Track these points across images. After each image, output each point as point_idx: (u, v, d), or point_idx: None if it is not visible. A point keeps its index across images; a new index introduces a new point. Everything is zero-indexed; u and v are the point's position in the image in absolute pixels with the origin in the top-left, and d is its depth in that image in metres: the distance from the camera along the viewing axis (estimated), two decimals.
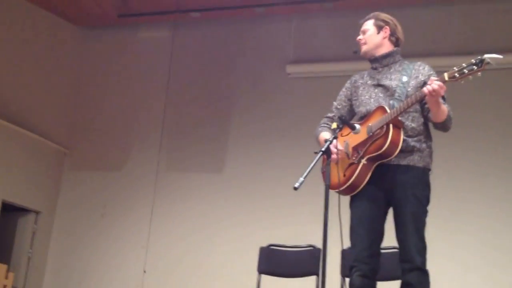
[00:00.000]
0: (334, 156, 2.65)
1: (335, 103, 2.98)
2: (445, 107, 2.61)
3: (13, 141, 5.78)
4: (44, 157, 6.16)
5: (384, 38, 2.85)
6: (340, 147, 2.70)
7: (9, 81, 5.85)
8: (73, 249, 6.04)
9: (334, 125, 2.74)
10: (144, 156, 6.10)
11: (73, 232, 6.10)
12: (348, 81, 2.97)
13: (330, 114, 2.98)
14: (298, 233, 4.94)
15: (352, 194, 2.72)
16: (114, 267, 5.83)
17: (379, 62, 2.84)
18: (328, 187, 2.55)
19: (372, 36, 2.85)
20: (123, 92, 6.42)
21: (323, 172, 2.81)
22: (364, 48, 2.88)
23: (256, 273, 4.15)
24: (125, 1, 6.07)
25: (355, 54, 2.95)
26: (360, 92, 2.85)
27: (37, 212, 6.06)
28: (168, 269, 5.64)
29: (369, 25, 2.89)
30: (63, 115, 6.47)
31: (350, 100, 2.92)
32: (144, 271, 5.70)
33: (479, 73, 2.36)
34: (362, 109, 2.81)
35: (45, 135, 6.13)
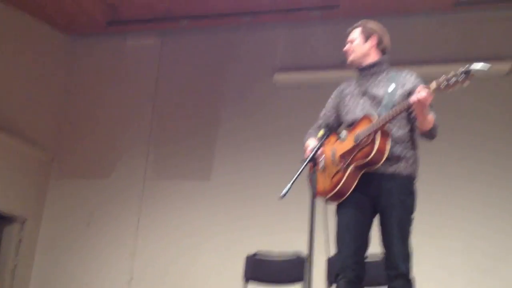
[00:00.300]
0: (320, 161, 2.67)
1: (323, 111, 3.01)
2: (431, 116, 2.63)
3: None
4: (30, 164, 6.10)
5: (371, 47, 2.87)
6: (327, 152, 2.71)
7: None
8: (59, 257, 5.97)
9: (321, 133, 2.76)
10: (131, 163, 6.06)
11: (60, 240, 6.03)
12: (336, 90, 3.00)
13: (318, 122, 3.01)
14: (285, 240, 4.94)
15: (339, 201, 2.74)
16: (101, 275, 5.77)
17: (366, 71, 2.87)
18: (314, 194, 2.57)
19: (359, 45, 2.88)
20: (111, 99, 6.40)
21: (309, 180, 2.83)
22: (351, 57, 2.91)
23: (242, 280, 4.15)
24: (114, 9, 6.06)
25: (342, 63, 2.97)
26: (348, 100, 2.88)
27: (23, 220, 5.99)
28: (156, 277, 5.60)
29: (356, 34, 2.91)
30: (50, 122, 6.41)
31: (337, 108, 2.94)
32: (131, 279, 5.67)
33: (466, 82, 2.38)
34: (349, 118, 2.84)
35: (31, 142, 6.08)
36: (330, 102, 2.99)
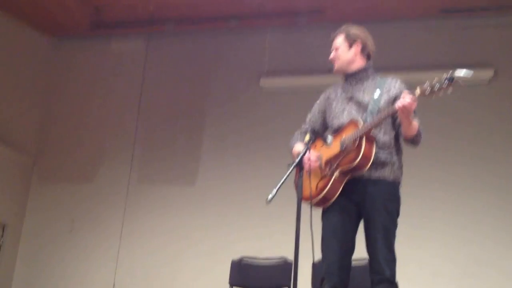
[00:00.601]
0: (306, 166, 2.67)
1: (309, 116, 3.01)
2: (415, 123, 2.65)
3: None
4: (11, 167, 6.01)
5: (356, 53, 2.87)
6: (313, 157, 2.71)
7: None
8: (41, 262, 5.90)
9: (307, 138, 2.76)
10: (115, 168, 6.01)
11: (42, 246, 5.95)
12: (322, 95, 3.00)
13: (304, 127, 3.01)
14: (271, 245, 4.94)
15: (324, 206, 2.74)
16: (84, 281, 5.70)
17: (352, 77, 2.88)
18: (301, 199, 2.57)
19: (344, 52, 2.88)
20: (95, 103, 6.34)
21: (296, 185, 2.82)
22: (337, 65, 2.91)
23: (228, 286, 4.13)
24: (98, 12, 6.01)
25: (329, 71, 2.98)
26: (334, 106, 2.88)
27: (3, 225, 5.91)
28: (139, 283, 5.56)
29: (340, 41, 2.91)
30: (33, 126, 6.34)
31: (323, 113, 2.95)
32: (114, 286, 5.61)
33: (450, 89, 2.40)
34: (335, 123, 2.84)
35: (13, 145, 6.00)
36: (316, 107, 3.00)
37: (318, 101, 3.00)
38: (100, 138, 6.20)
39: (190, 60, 6.18)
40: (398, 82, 2.82)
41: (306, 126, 2.99)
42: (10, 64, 6.05)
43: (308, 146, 2.69)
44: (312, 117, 2.99)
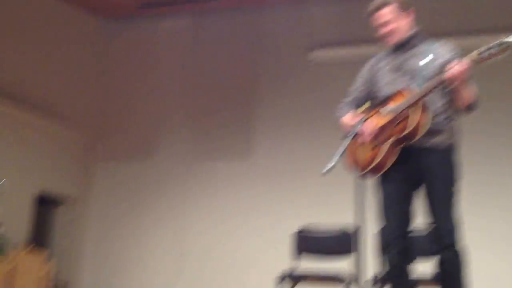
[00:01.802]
0: (362, 138, 2.69)
1: (353, 87, 2.96)
2: (470, 90, 2.58)
3: (46, 136, 5.93)
4: (76, 148, 6.27)
5: (410, 21, 2.79)
6: (368, 129, 2.71)
7: (41, 76, 5.92)
8: (109, 237, 6.19)
9: (366, 105, 2.74)
10: (174, 145, 6.17)
11: (109, 220, 6.22)
12: (366, 65, 2.93)
13: (349, 98, 2.96)
14: (330, 215, 4.96)
15: (378, 175, 2.73)
16: (150, 251, 5.96)
17: (403, 46, 2.79)
18: (361, 169, 2.57)
19: (402, 23, 2.77)
20: (149, 81, 6.46)
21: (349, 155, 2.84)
22: (397, 37, 2.78)
23: (292, 256, 4.21)
24: None
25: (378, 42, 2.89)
26: (381, 75, 2.82)
27: (72, 202, 6.20)
28: (203, 252, 5.75)
29: (392, 11, 2.79)
30: (93, 107, 6.53)
31: (368, 83, 2.88)
32: (181, 255, 5.85)
33: (500, 55, 2.33)
34: (384, 92, 2.78)
35: (75, 127, 6.22)
36: (361, 78, 2.93)
37: (362, 72, 2.93)
38: (156, 116, 6.34)
39: (238, 37, 6.17)
40: (449, 48, 2.73)
41: (352, 96, 2.94)
42: (65, 47, 6.21)
43: (364, 117, 2.67)
44: (357, 88, 2.93)
